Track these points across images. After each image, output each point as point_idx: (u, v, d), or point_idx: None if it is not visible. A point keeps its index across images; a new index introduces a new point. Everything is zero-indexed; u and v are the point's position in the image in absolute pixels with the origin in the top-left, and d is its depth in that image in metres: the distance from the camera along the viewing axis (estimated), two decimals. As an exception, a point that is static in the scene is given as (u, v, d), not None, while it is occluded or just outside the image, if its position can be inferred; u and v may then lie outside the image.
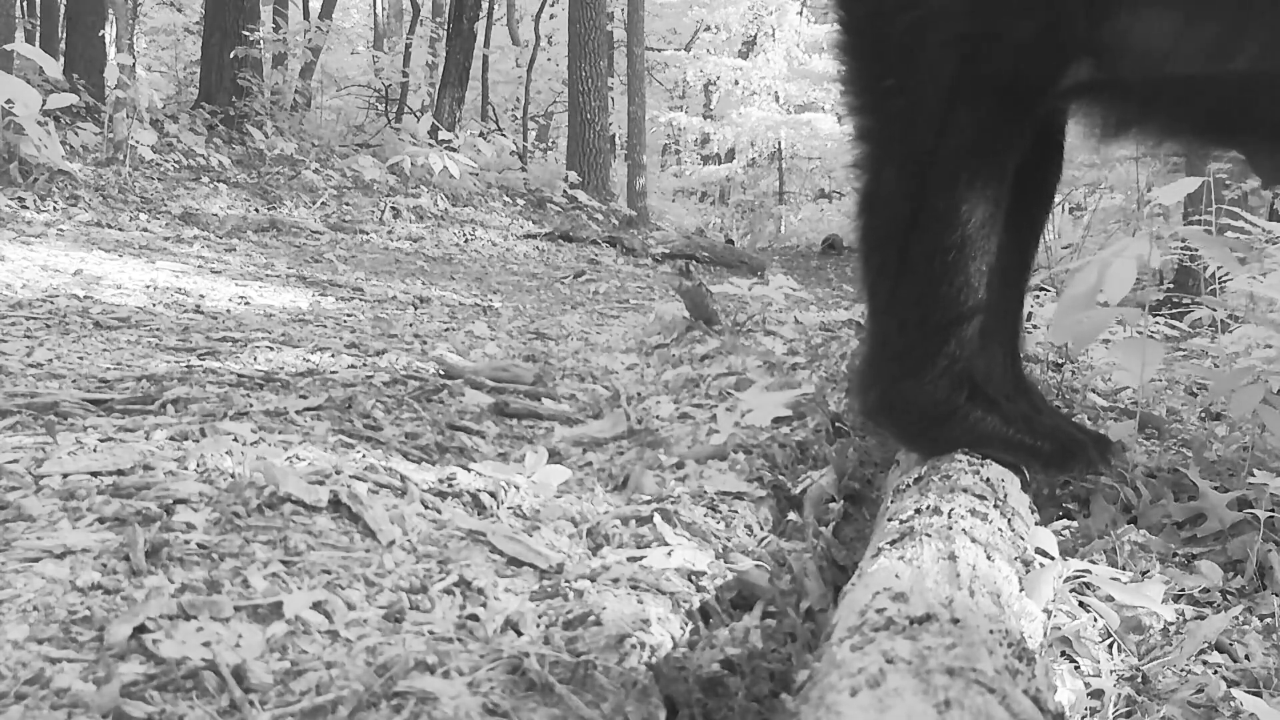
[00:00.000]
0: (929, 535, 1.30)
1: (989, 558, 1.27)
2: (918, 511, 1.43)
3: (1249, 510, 1.76)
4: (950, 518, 1.39)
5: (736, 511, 1.77)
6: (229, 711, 1.00)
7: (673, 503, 1.73)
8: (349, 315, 4.21)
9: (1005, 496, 1.57)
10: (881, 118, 1.69)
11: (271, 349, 3.09)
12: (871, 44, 1.70)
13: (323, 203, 8.40)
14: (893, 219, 1.68)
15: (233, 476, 1.61)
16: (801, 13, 17.16)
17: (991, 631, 1.01)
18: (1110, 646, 1.41)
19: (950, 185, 1.59)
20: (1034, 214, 1.92)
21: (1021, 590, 1.32)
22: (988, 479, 1.62)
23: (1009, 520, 1.50)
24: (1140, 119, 1.66)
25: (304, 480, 1.58)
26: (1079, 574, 1.52)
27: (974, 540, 1.31)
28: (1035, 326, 3.42)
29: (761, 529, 1.75)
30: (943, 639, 0.96)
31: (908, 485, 1.65)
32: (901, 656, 0.91)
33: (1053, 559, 1.55)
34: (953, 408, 1.69)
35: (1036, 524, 1.66)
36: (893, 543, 1.31)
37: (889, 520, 1.48)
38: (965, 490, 1.54)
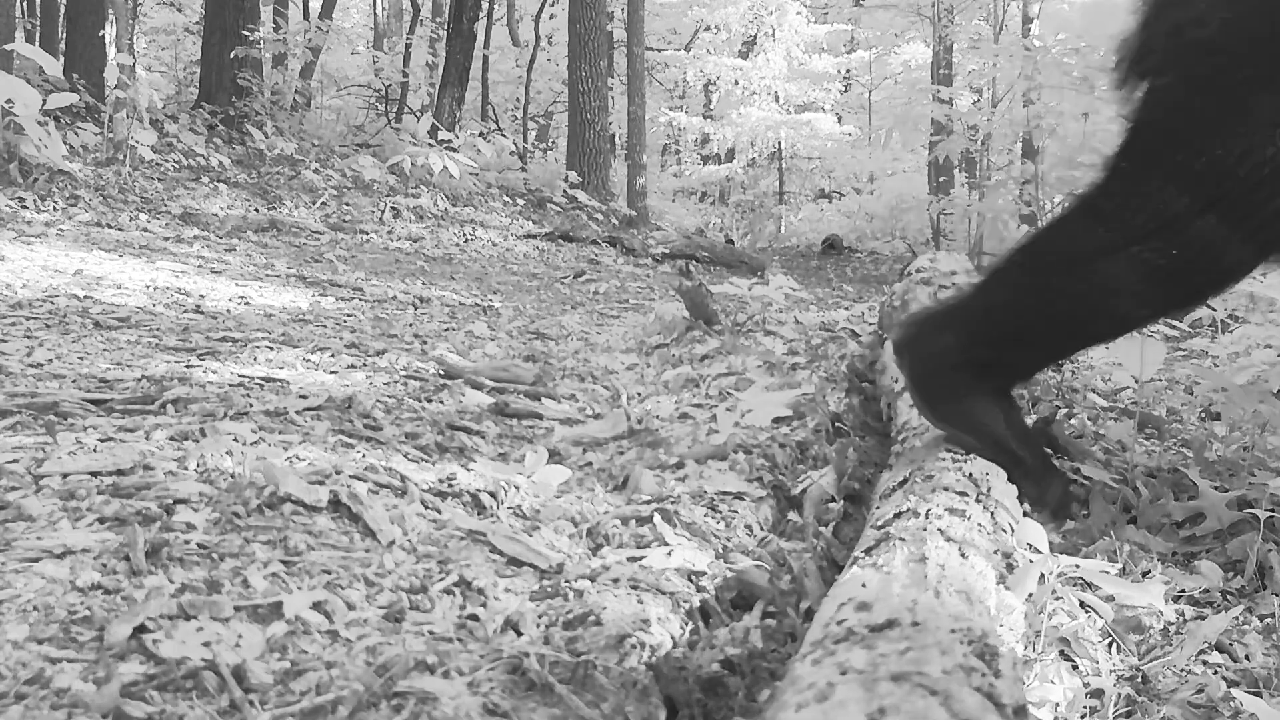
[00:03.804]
0: (902, 539, 1.31)
1: (963, 555, 1.27)
2: (897, 515, 1.44)
3: (1249, 510, 1.76)
4: (927, 518, 1.40)
5: (736, 511, 1.77)
6: (229, 711, 1.00)
7: (673, 503, 1.73)
8: (349, 315, 4.20)
9: (989, 490, 1.58)
10: (1128, 195, 1.59)
11: (271, 349, 3.09)
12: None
13: (323, 203, 8.40)
14: (1070, 254, 1.60)
15: (233, 476, 1.61)
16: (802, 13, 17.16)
17: (953, 631, 1.01)
18: (1110, 646, 1.41)
19: (1133, 273, 1.53)
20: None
21: (1003, 584, 1.32)
22: (970, 474, 1.62)
23: (992, 513, 1.50)
24: None
25: (304, 480, 1.58)
26: (1070, 569, 1.52)
27: (949, 539, 1.32)
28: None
29: (761, 529, 1.75)
30: (898, 645, 0.96)
31: (893, 488, 1.66)
32: (855, 667, 0.92)
33: (1040, 552, 1.55)
34: (969, 390, 1.69)
35: (1025, 515, 1.66)
36: (868, 550, 1.32)
37: (870, 527, 1.49)
38: (946, 489, 1.54)
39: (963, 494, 1.52)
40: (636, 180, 12.59)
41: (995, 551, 1.39)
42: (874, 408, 2.71)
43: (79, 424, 1.93)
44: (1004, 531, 1.49)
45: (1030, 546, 1.55)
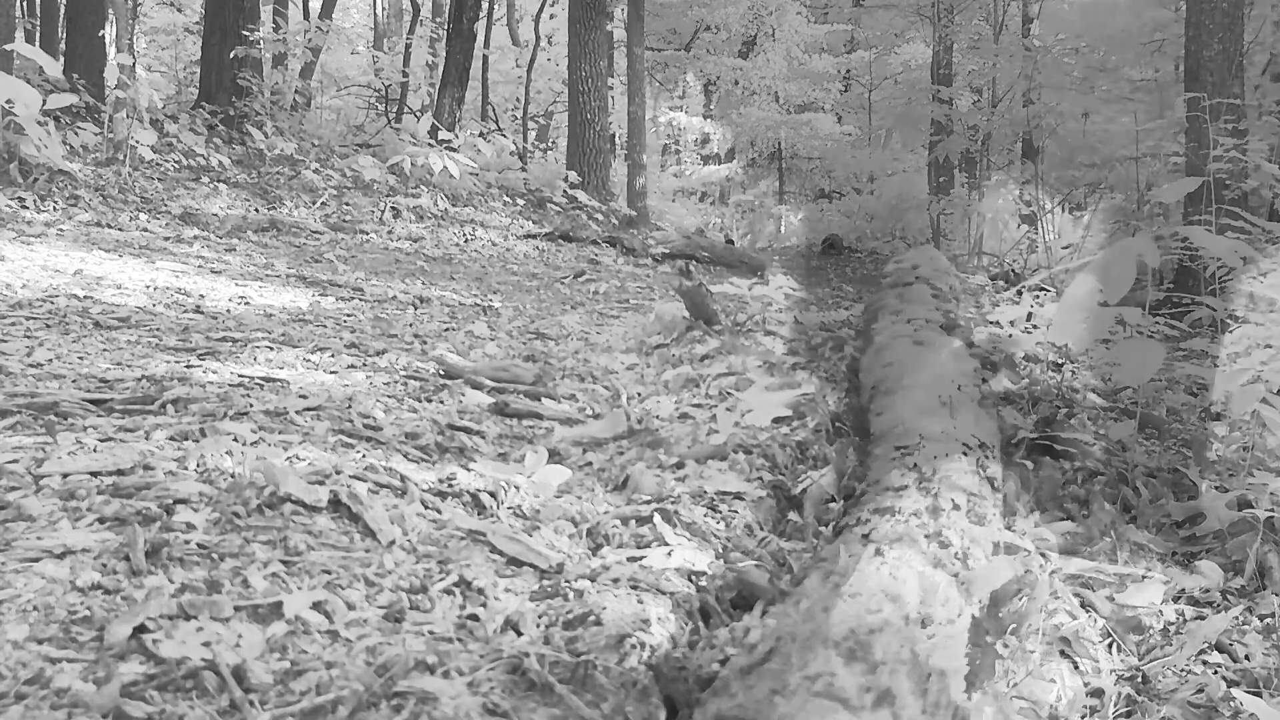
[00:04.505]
0: (823, 560, 1.34)
1: (879, 554, 1.29)
2: (838, 532, 1.47)
3: (1249, 510, 1.76)
4: (858, 525, 1.42)
5: (736, 511, 1.77)
6: (229, 711, 1.00)
7: (673, 503, 1.73)
8: (349, 315, 4.20)
9: (933, 473, 1.59)
10: None
11: (271, 349, 3.09)
12: None
13: (323, 203, 8.40)
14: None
15: (233, 476, 1.61)
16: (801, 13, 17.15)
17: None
18: (1110, 646, 1.41)
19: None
20: None
21: (938, 565, 1.33)
22: (915, 464, 1.64)
23: (934, 496, 1.52)
24: None
25: (304, 480, 1.58)
26: (1079, 574, 1.52)
27: (870, 540, 1.34)
28: (1035, 326, 3.41)
29: (761, 529, 1.75)
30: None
31: (855, 506, 1.69)
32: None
33: (1031, 553, 1.56)
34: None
35: (988, 476, 1.67)
36: (797, 582, 1.35)
37: (852, 528, 1.53)
38: (888, 488, 1.57)
39: (901, 489, 1.54)
40: (636, 180, 12.58)
41: (927, 535, 1.40)
42: (874, 408, 2.71)
43: (79, 424, 1.93)
44: (942, 511, 1.50)
45: (1010, 548, 1.55)
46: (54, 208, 6.16)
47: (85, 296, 3.71)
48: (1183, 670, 1.35)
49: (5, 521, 1.37)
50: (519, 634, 1.22)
